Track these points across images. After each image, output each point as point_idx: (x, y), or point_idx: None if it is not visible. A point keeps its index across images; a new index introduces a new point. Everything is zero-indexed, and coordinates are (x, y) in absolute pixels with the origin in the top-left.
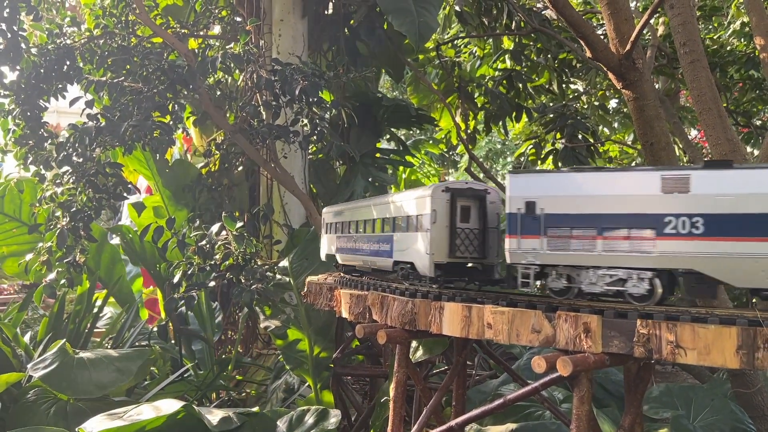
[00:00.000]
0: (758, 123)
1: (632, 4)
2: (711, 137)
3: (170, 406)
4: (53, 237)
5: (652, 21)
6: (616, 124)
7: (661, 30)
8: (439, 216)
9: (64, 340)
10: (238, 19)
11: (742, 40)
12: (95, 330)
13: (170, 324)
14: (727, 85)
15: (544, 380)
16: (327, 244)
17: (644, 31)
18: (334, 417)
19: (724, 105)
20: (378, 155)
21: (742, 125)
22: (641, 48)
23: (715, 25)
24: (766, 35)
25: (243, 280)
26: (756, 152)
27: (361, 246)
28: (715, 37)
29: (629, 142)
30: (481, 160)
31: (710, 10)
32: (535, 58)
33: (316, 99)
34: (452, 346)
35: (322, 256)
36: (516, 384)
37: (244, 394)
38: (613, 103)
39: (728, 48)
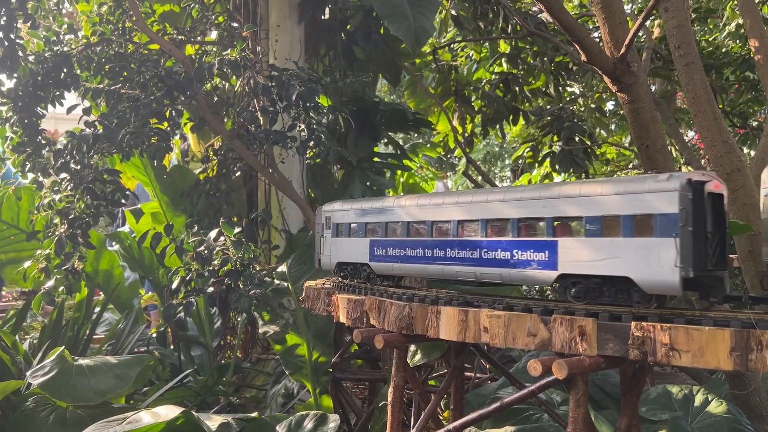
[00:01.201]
0: (754, 124)
1: (627, 8)
2: (706, 139)
3: (169, 412)
4: (51, 244)
5: (647, 24)
6: (612, 127)
7: (656, 32)
8: (688, 217)
9: (63, 347)
10: (235, 25)
11: (737, 41)
12: (94, 336)
13: (169, 330)
14: (723, 87)
15: (540, 383)
16: (338, 250)
17: (640, 34)
18: (333, 422)
19: (720, 107)
20: (376, 159)
21: (738, 126)
22: (636, 51)
23: (711, 27)
24: (761, 37)
25: (241, 286)
26: (752, 153)
27: (455, 253)
28: (710, 39)
29: (626, 144)
30: (479, 163)
31: (705, 12)
32: (531, 62)
33: (313, 104)
34: (450, 349)
35: (327, 264)
36: (514, 387)
37: (243, 400)
38: (609, 106)
39: (723, 50)
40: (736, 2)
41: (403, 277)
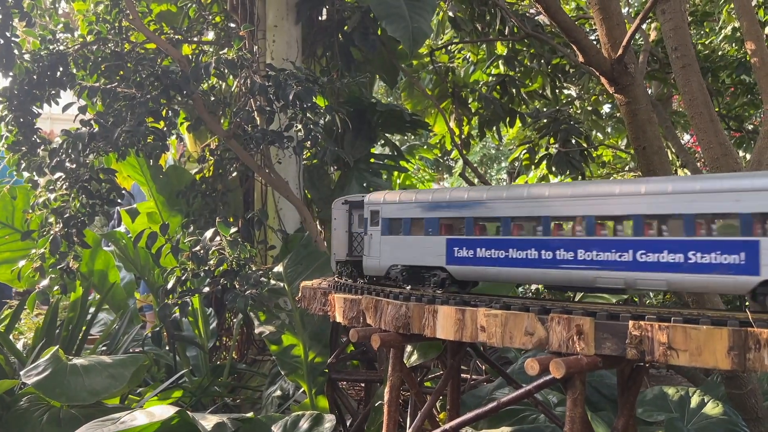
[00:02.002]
0: (750, 127)
1: (624, 10)
2: (703, 141)
3: (164, 412)
4: (46, 243)
5: (644, 26)
6: (609, 129)
7: (653, 35)
8: None
9: (57, 346)
10: (232, 24)
11: (734, 44)
12: (89, 336)
13: (164, 330)
14: (719, 90)
15: (537, 383)
16: (393, 251)
17: (637, 36)
18: (329, 422)
19: (717, 109)
20: (372, 160)
21: (735, 129)
22: (633, 53)
23: (707, 30)
24: (757, 40)
25: (237, 286)
26: (748, 156)
27: (593, 255)
28: (706, 42)
29: (622, 147)
30: (475, 165)
31: (702, 15)
32: (528, 64)
33: (310, 104)
34: (447, 349)
35: (375, 268)
36: (511, 388)
37: (239, 400)
38: (606, 108)
39: (720, 53)
40: (732, 5)
41: (478, 282)
